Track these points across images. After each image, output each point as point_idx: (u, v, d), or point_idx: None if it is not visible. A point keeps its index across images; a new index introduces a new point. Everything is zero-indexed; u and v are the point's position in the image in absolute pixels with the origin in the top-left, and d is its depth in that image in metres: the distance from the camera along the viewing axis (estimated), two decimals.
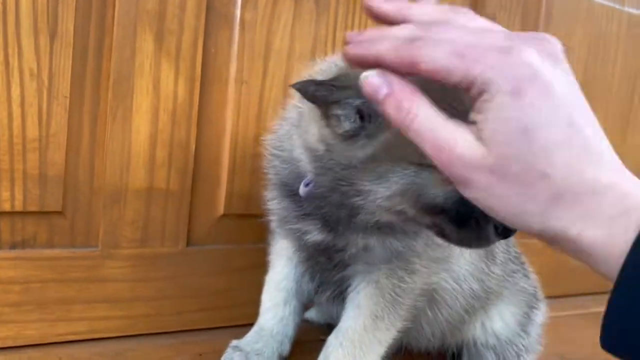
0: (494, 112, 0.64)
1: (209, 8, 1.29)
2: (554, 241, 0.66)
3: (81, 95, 1.19)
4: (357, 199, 0.91)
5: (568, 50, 0.68)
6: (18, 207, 1.16)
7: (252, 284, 1.33)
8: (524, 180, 0.63)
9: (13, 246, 1.17)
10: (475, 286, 1.20)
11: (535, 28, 1.83)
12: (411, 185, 0.84)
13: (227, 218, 1.40)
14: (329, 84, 0.85)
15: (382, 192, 0.87)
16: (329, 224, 1.04)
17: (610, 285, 0.62)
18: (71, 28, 1.15)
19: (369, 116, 0.85)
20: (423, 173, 0.82)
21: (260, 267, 1.28)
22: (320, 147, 0.93)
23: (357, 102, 0.84)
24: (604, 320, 0.64)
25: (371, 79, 0.70)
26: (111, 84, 1.20)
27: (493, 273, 1.23)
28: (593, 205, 0.63)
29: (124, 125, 1.23)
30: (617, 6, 2.03)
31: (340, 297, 1.17)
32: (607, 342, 0.64)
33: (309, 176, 1.00)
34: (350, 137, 0.88)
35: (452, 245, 0.99)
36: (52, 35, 1.14)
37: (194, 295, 1.36)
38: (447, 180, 0.75)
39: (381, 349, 1.10)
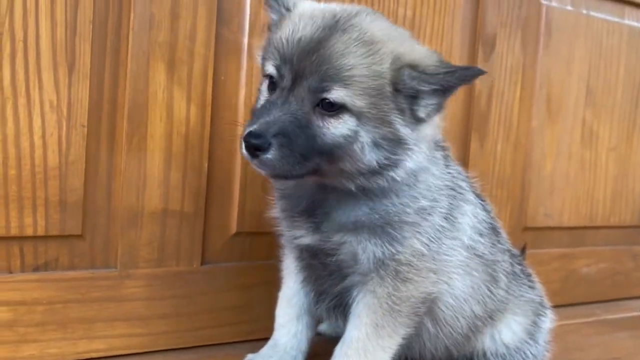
0: None
1: (217, 37, 1.35)
2: None
3: (98, 124, 1.25)
4: None
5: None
6: (40, 231, 1.22)
7: (265, 299, 1.38)
8: None
9: (36, 269, 1.23)
10: (477, 308, 1.23)
11: (535, 45, 1.87)
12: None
13: (239, 236, 1.45)
14: None
15: None
16: (313, 219, 1.12)
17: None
18: (88, 61, 1.22)
19: None
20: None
21: (272, 282, 1.33)
22: None
23: None
24: None
25: None
26: (126, 113, 1.26)
27: (496, 296, 1.27)
28: None
29: (139, 151, 1.28)
30: (616, 19, 2.07)
31: (340, 307, 1.21)
32: None
33: None
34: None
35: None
36: (70, 69, 1.20)
37: (210, 311, 1.42)
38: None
39: (385, 356, 1.14)
